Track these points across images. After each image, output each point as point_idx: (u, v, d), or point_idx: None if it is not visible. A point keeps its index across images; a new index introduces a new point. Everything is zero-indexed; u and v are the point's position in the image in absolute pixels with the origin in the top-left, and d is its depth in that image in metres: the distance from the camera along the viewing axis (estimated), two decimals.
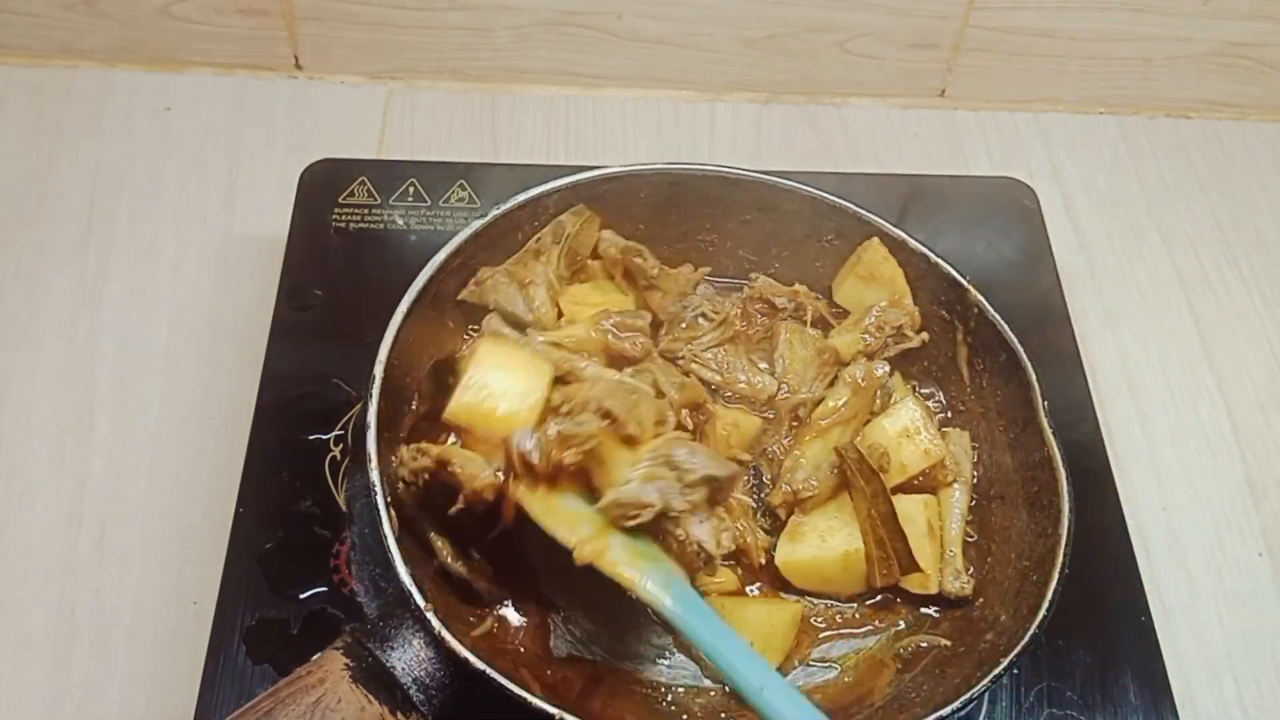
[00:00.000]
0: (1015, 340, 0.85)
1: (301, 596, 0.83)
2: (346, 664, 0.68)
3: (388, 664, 0.69)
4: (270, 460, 0.89)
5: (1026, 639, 0.73)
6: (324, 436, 0.91)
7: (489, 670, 0.68)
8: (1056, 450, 0.81)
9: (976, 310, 0.87)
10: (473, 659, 0.68)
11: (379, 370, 0.78)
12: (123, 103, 1.18)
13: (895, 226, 0.91)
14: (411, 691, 0.69)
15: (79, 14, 1.17)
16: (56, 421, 0.96)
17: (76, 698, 0.83)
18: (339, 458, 0.90)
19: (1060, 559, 0.77)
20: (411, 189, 1.06)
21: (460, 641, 0.69)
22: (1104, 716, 0.83)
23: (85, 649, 0.85)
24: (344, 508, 0.87)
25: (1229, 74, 1.22)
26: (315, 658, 0.69)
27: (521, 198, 0.89)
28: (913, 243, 0.91)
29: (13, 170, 1.12)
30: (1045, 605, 0.75)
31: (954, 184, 1.14)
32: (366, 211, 1.04)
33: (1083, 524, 0.84)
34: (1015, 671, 0.84)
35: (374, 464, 0.74)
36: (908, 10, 1.16)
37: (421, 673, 0.70)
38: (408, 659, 0.70)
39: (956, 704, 0.70)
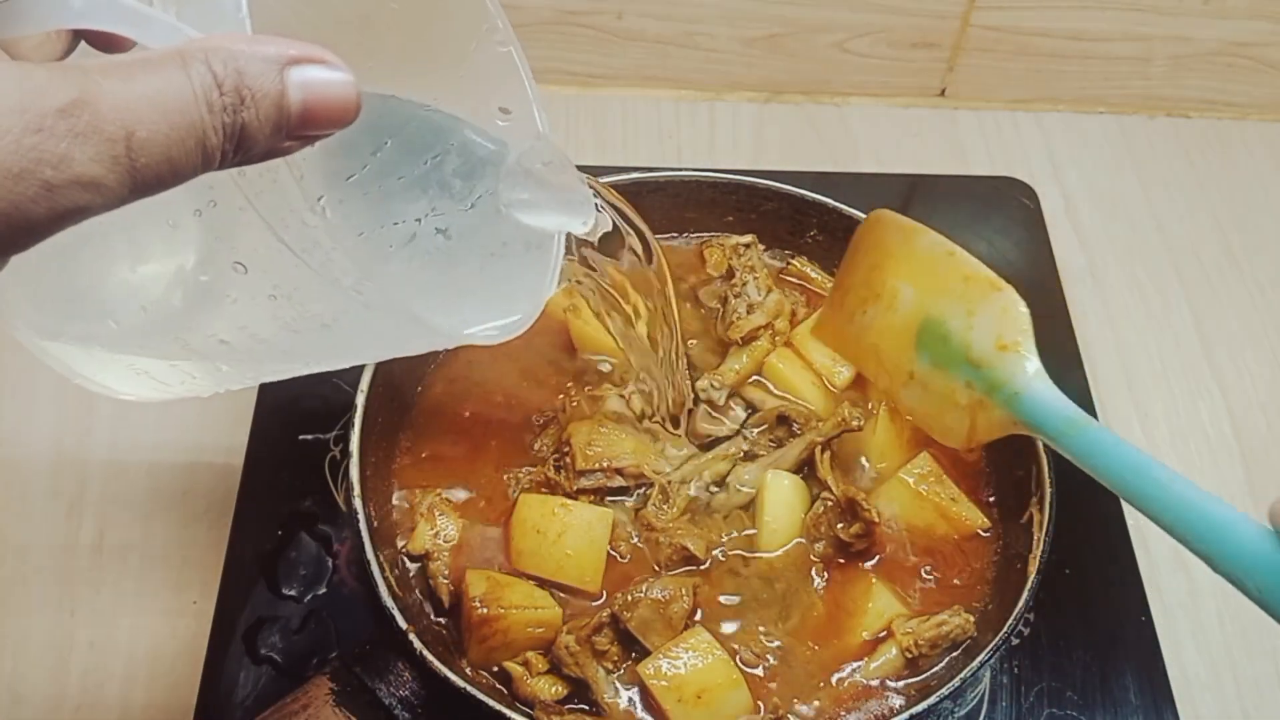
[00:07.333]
0: None
1: (301, 597, 0.84)
2: (331, 688, 0.69)
3: (371, 685, 0.69)
4: (270, 460, 0.89)
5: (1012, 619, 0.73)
6: (324, 436, 0.91)
7: (470, 689, 0.69)
8: None
9: None
10: (453, 678, 0.69)
11: (360, 400, 0.79)
12: None
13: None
14: (397, 711, 0.70)
15: None
16: (56, 421, 0.96)
17: (76, 698, 0.83)
18: (339, 458, 0.90)
19: (1041, 546, 0.76)
20: None
21: (442, 661, 0.70)
22: (1104, 716, 0.83)
23: (85, 649, 0.85)
24: (344, 508, 0.87)
25: (1229, 74, 1.22)
26: (303, 685, 0.70)
27: None
28: None
29: None
30: (1025, 590, 0.74)
31: (954, 183, 1.14)
32: None
33: (1083, 524, 0.84)
34: (1015, 670, 0.85)
35: (357, 492, 0.75)
36: (908, 10, 1.16)
37: (406, 692, 0.70)
38: (392, 680, 0.70)
39: (928, 702, 0.71)
